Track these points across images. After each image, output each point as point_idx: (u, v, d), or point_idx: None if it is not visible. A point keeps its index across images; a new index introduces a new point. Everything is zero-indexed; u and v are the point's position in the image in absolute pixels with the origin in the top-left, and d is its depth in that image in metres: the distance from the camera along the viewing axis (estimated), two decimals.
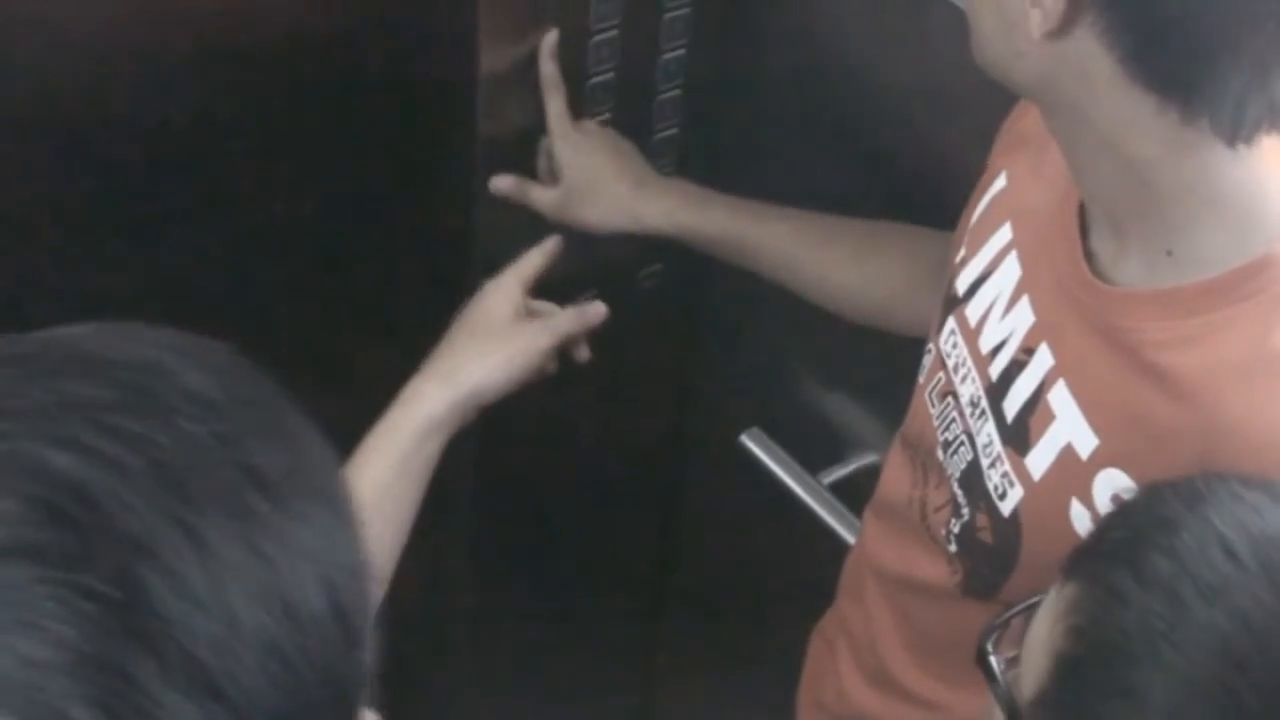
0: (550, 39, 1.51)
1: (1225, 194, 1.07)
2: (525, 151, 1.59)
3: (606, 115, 1.60)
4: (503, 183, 1.55)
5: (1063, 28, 1.02)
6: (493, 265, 1.50)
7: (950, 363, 1.27)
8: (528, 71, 1.54)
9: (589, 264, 1.65)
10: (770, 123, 1.70)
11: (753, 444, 1.81)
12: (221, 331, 0.69)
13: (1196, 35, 1.00)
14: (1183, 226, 1.08)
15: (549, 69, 1.53)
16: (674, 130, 1.66)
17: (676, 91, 1.65)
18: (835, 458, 1.80)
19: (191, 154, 1.44)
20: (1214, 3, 0.99)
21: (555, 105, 1.54)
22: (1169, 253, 1.09)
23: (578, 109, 1.58)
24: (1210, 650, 0.82)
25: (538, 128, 1.57)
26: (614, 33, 1.56)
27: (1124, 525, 0.92)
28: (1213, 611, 0.82)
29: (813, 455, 1.78)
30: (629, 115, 1.63)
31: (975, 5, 1.11)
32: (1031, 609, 0.95)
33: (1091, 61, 1.03)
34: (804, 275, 1.52)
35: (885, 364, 1.50)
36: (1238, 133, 1.03)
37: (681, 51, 1.62)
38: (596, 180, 1.54)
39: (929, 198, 1.47)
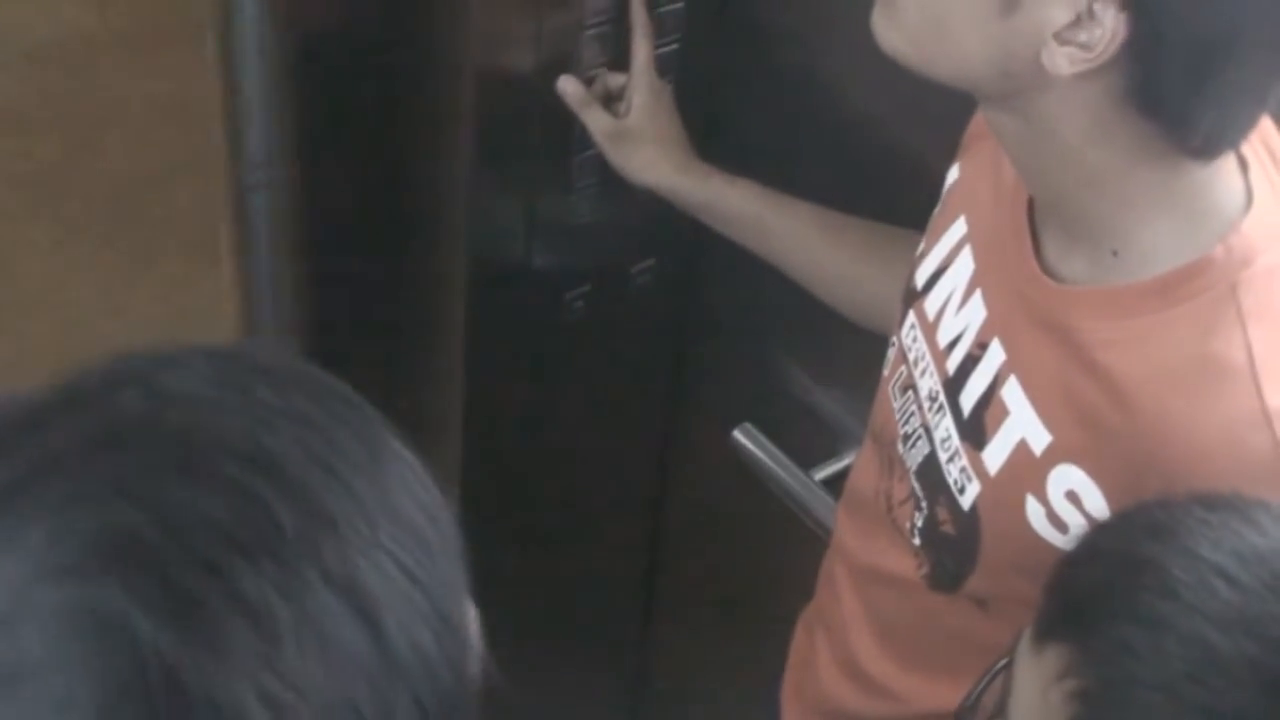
0: None
1: (1179, 197, 1.07)
2: (519, 140, 1.59)
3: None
4: (570, 85, 1.55)
5: (1091, 71, 1.01)
6: (482, 262, 1.50)
7: (911, 356, 1.27)
8: (521, 64, 1.54)
9: (581, 260, 1.64)
10: (762, 118, 1.70)
11: (745, 439, 1.81)
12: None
13: (1212, 66, 0.99)
14: (1132, 228, 1.08)
15: (641, 15, 1.55)
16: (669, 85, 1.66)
17: (674, 46, 1.64)
18: (827, 453, 1.80)
19: None
20: (1237, 37, 0.98)
21: (644, 50, 1.56)
22: (1114, 252, 1.09)
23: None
24: (1249, 683, 0.79)
25: (530, 116, 1.57)
26: (607, 28, 1.56)
27: (1091, 576, 0.89)
28: (1242, 642, 0.80)
29: (805, 450, 1.78)
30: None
31: (952, 19, 1.07)
32: (1000, 674, 0.94)
33: (1089, 90, 1.03)
34: (812, 262, 1.53)
35: (876, 360, 1.50)
36: (1212, 150, 1.04)
37: (675, 46, 1.62)
38: (660, 133, 1.57)
39: (922, 194, 1.47)
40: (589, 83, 1.56)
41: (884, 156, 1.57)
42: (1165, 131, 1.03)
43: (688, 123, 1.62)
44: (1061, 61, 1.01)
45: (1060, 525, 1.13)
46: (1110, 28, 0.98)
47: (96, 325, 2.61)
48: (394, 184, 1.62)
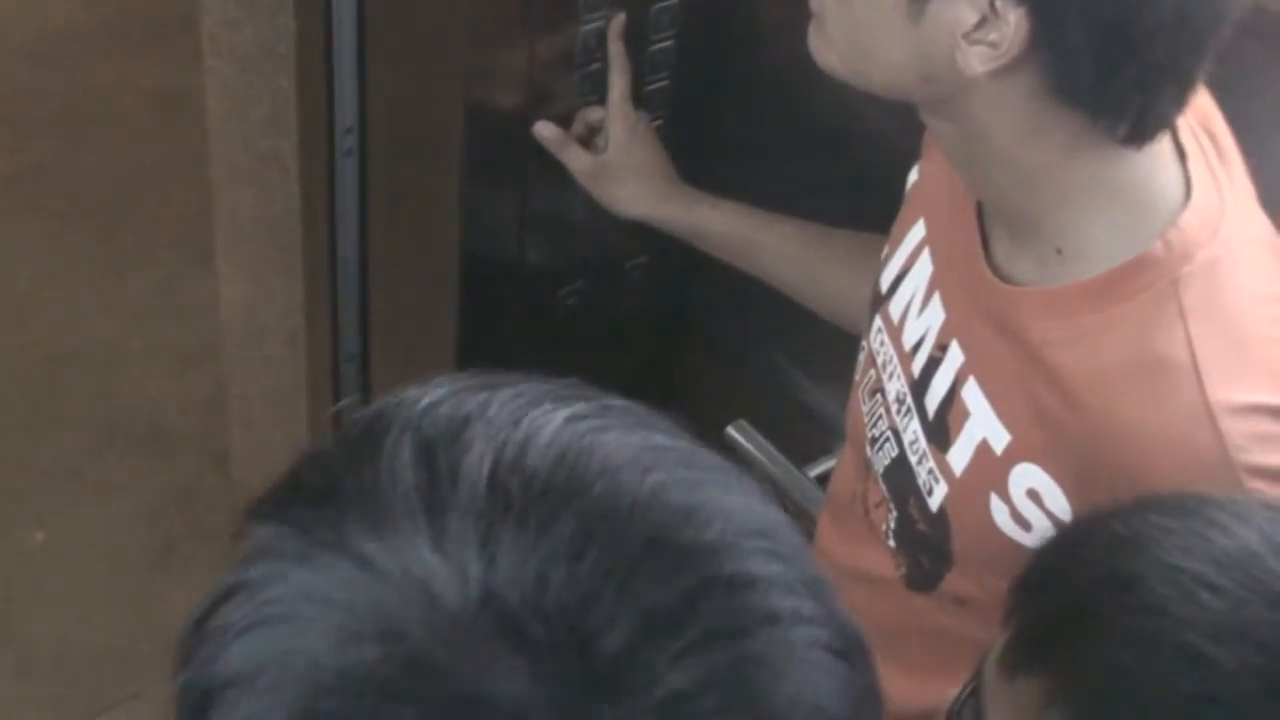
0: (619, 20, 1.55)
1: (1116, 191, 1.08)
2: (513, 135, 1.58)
3: (594, 102, 1.60)
4: (547, 130, 1.56)
5: (1006, 68, 1.03)
6: (480, 261, 1.49)
7: (879, 360, 1.28)
8: (515, 60, 1.54)
9: (575, 256, 1.64)
10: (757, 114, 1.70)
11: (739, 435, 1.81)
12: None
13: (1121, 51, 1.01)
14: (1073, 224, 1.09)
15: (617, 48, 1.56)
16: (660, 121, 1.66)
17: (664, 82, 1.64)
18: (822, 449, 1.80)
19: None
20: (1136, 19, 0.99)
21: (620, 85, 1.57)
22: (1059, 250, 1.10)
23: (566, 99, 1.57)
24: (1258, 694, 0.77)
25: (525, 118, 1.56)
26: (602, 23, 1.56)
27: (1059, 599, 0.86)
28: (1240, 651, 0.77)
29: (798, 447, 1.78)
30: None
31: (872, 31, 1.09)
32: (971, 700, 0.89)
33: (1013, 87, 1.04)
34: (803, 276, 1.54)
35: None
36: (1140, 135, 1.04)
37: (669, 43, 1.62)
38: (639, 165, 1.57)
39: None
40: (568, 122, 1.56)
41: (880, 152, 1.57)
42: (1091, 121, 1.04)
43: (682, 119, 1.62)
44: (974, 61, 1.03)
45: (1024, 524, 1.13)
46: (1014, 24, 1.00)
47: (91, 321, 2.62)
48: (388, 179, 1.62)
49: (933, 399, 1.20)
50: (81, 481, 2.46)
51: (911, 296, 1.24)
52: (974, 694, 0.89)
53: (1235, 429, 1.03)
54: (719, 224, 1.55)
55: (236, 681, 0.55)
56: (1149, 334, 1.05)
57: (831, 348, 1.72)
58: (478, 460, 0.56)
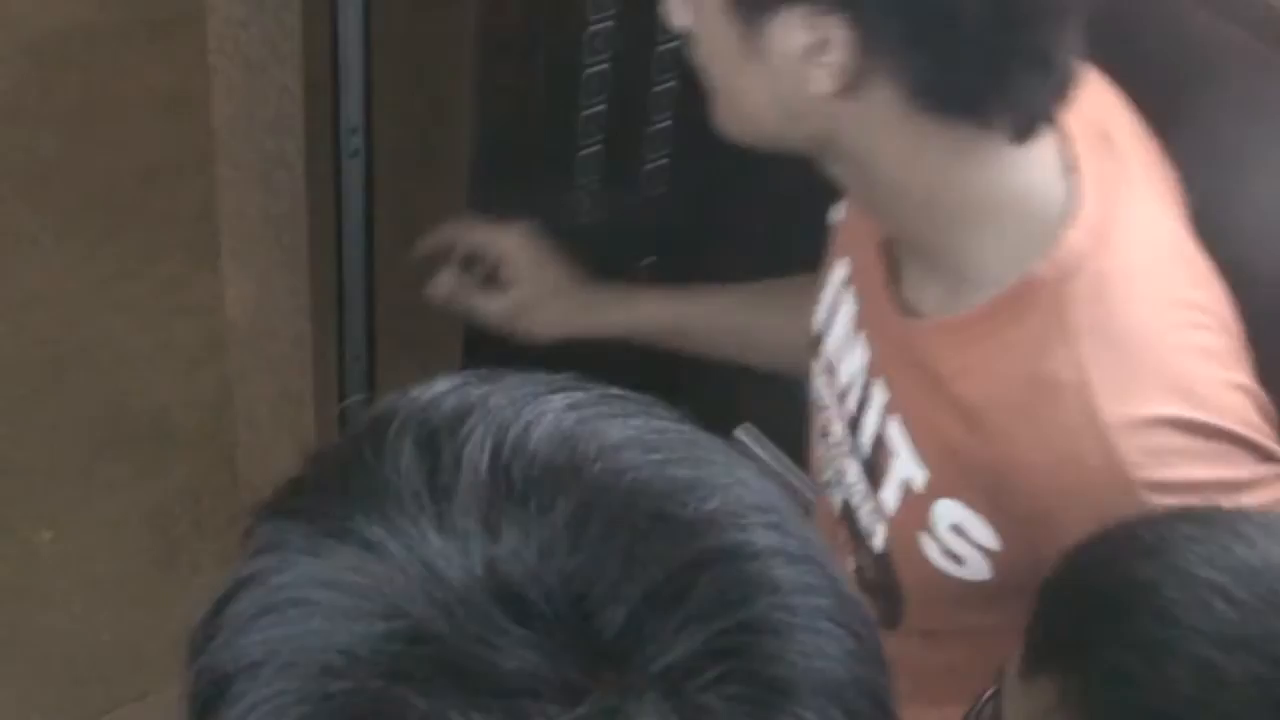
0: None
1: (1000, 207, 1.06)
2: (520, 138, 1.58)
3: (601, 107, 1.59)
4: (442, 288, 1.53)
5: (856, 81, 1.02)
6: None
7: (823, 402, 1.27)
8: (522, 64, 1.53)
9: (581, 257, 1.64)
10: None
11: (746, 439, 1.80)
12: None
13: (983, 48, 1.00)
14: (965, 247, 1.08)
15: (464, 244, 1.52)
16: (669, 122, 1.66)
17: (672, 83, 1.64)
18: None
19: None
20: (995, 12, 0.99)
21: (491, 237, 1.53)
22: (962, 277, 1.09)
23: (573, 99, 1.57)
24: (1259, 703, 0.77)
25: (531, 118, 1.56)
26: (610, 23, 1.55)
27: (1079, 602, 0.86)
28: (1247, 661, 0.77)
29: (806, 451, 1.78)
30: (624, 107, 1.62)
31: (730, 83, 1.09)
32: (992, 700, 0.90)
33: (875, 104, 1.03)
34: (748, 342, 1.51)
35: None
36: (1022, 131, 1.03)
37: (678, 43, 1.61)
38: (555, 285, 1.53)
39: None
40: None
41: None
42: (958, 123, 1.03)
43: (692, 121, 1.61)
44: (823, 80, 1.02)
45: (955, 558, 1.12)
46: (839, 33, 1.00)
47: (97, 320, 2.61)
48: (394, 179, 1.62)
49: (865, 439, 1.19)
50: (88, 481, 2.45)
51: (842, 337, 1.23)
52: (996, 695, 0.90)
53: (1130, 445, 1.01)
54: (647, 318, 1.52)
55: (248, 668, 0.56)
56: (1038, 356, 1.04)
57: None
58: (479, 444, 0.57)
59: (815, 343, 1.28)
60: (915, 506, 1.14)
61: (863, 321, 1.20)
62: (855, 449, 1.21)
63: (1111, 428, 1.01)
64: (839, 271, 1.25)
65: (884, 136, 1.05)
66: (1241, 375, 1.07)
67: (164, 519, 2.44)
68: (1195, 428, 1.02)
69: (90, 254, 2.67)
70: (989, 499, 1.08)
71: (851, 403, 1.21)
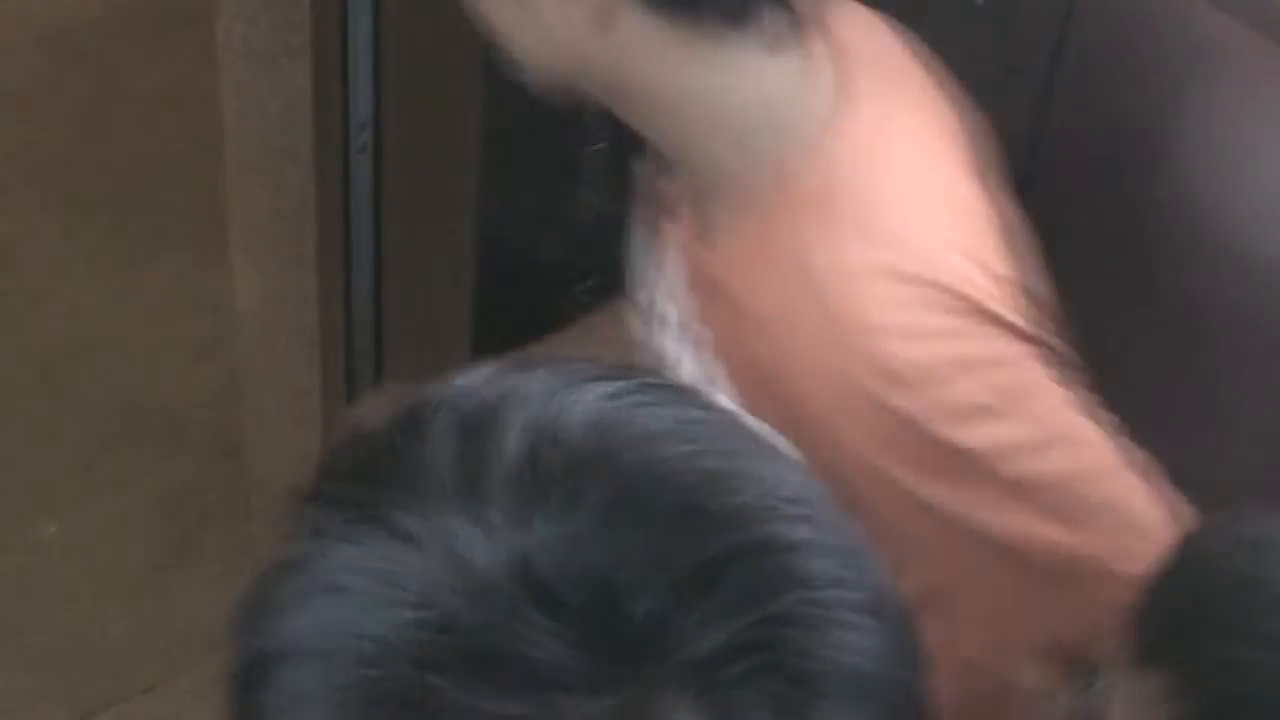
0: None
1: (767, 112, 1.08)
2: (527, 132, 1.58)
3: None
4: None
5: (605, 8, 1.03)
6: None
7: (652, 354, 1.29)
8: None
9: (590, 252, 1.64)
10: None
11: None
12: None
13: None
14: (741, 158, 1.09)
15: None
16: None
17: None
18: None
19: None
20: None
21: None
22: (739, 194, 1.11)
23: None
24: None
25: (541, 113, 1.56)
26: None
27: (1191, 595, 0.87)
28: None
29: None
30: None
31: (503, 30, 1.12)
32: (1092, 691, 0.91)
33: (632, 31, 1.05)
34: None
35: None
36: (736, 16, 1.05)
37: None
38: None
39: None
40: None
41: None
42: (704, 29, 1.05)
43: None
44: (577, 13, 1.04)
45: None
46: None
47: (104, 313, 2.61)
48: (403, 174, 1.62)
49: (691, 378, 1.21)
50: (94, 474, 2.46)
51: (662, 290, 1.25)
52: (1098, 685, 0.91)
53: (843, 296, 1.03)
54: None
55: (284, 655, 0.56)
56: (801, 252, 1.05)
57: None
58: (513, 435, 0.58)
59: (641, 307, 1.29)
60: None
61: (675, 269, 1.22)
62: None
63: (824, 276, 1.03)
64: (653, 228, 1.27)
65: (649, 64, 1.07)
66: (1000, 265, 1.07)
67: (170, 512, 2.44)
68: (908, 278, 1.03)
69: (98, 247, 2.67)
70: (764, 400, 1.10)
71: (672, 350, 1.22)
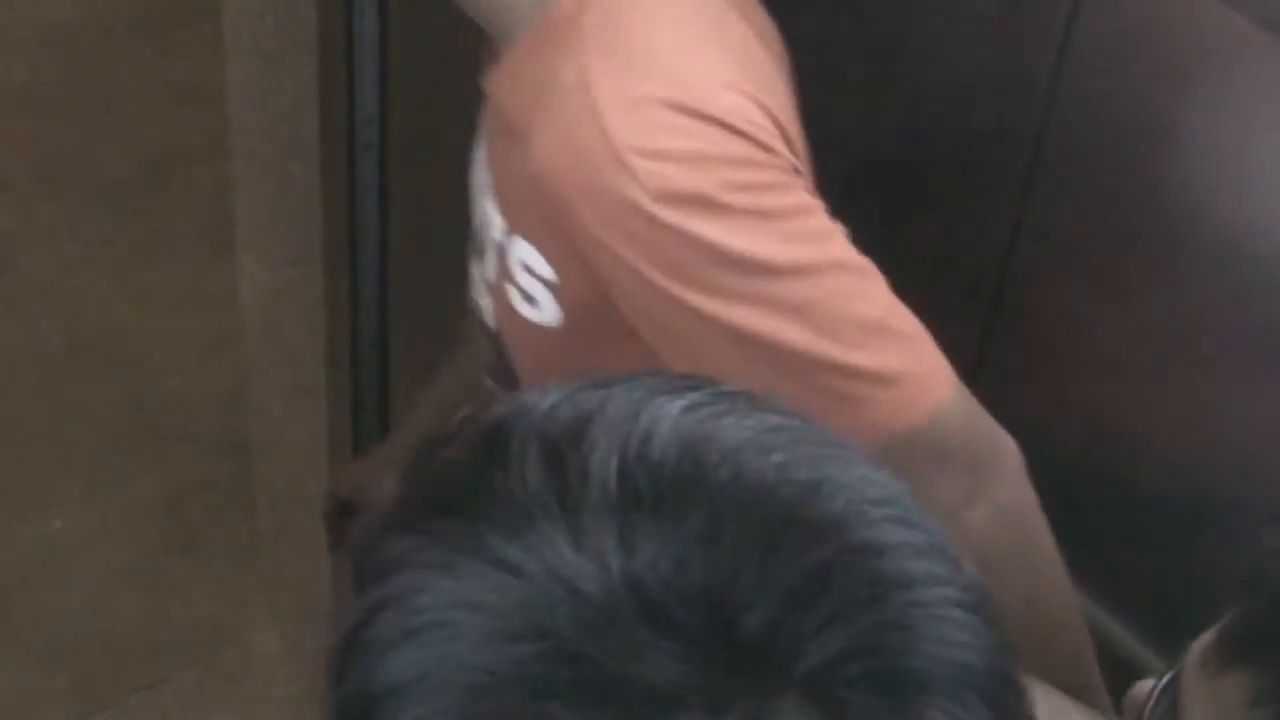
0: None
1: None
2: None
3: None
4: None
5: None
6: None
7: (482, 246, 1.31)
8: None
9: None
10: None
11: None
12: None
13: None
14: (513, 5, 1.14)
15: None
16: None
17: None
18: None
19: None
20: None
21: None
22: (510, 32, 1.15)
23: None
24: None
25: None
26: None
27: (1269, 595, 0.85)
28: None
29: None
30: None
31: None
32: (1166, 694, 0.89)
33: None
34: None
35: None
36: None
37: None
38: None
39: (913, 181, 1.47)
40: None
41: (882, 152, 1.57)
42: None
43: None
44: None
45: (529, 299, 1.17)
46: None
47: (110, 310, 2.62)
48: (409, 169, 1.62)
49: (490, 254, 1.24)
50: (100, 470, 2.46)
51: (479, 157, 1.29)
52: (1169, 688, 0.88)
53: (620, 121, 1.04)
54: None
55: (395, 692, 0.56)
56: (555, 71, 1.07)
57: None
58: (604, 456, 0.58)
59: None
60: (502, 259, 1.18)
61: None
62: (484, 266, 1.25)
63: (603, 106, 1.04)
64: (480, 153, 1.29)
65: None
66: (774, 106, 1.09)
67: (176, 508, 2.44)
68: (685, 110, 1.04)
69: (104, 244, 2.68)
70: (539, 224, 1.12)
71: (484, 211, 1.24)
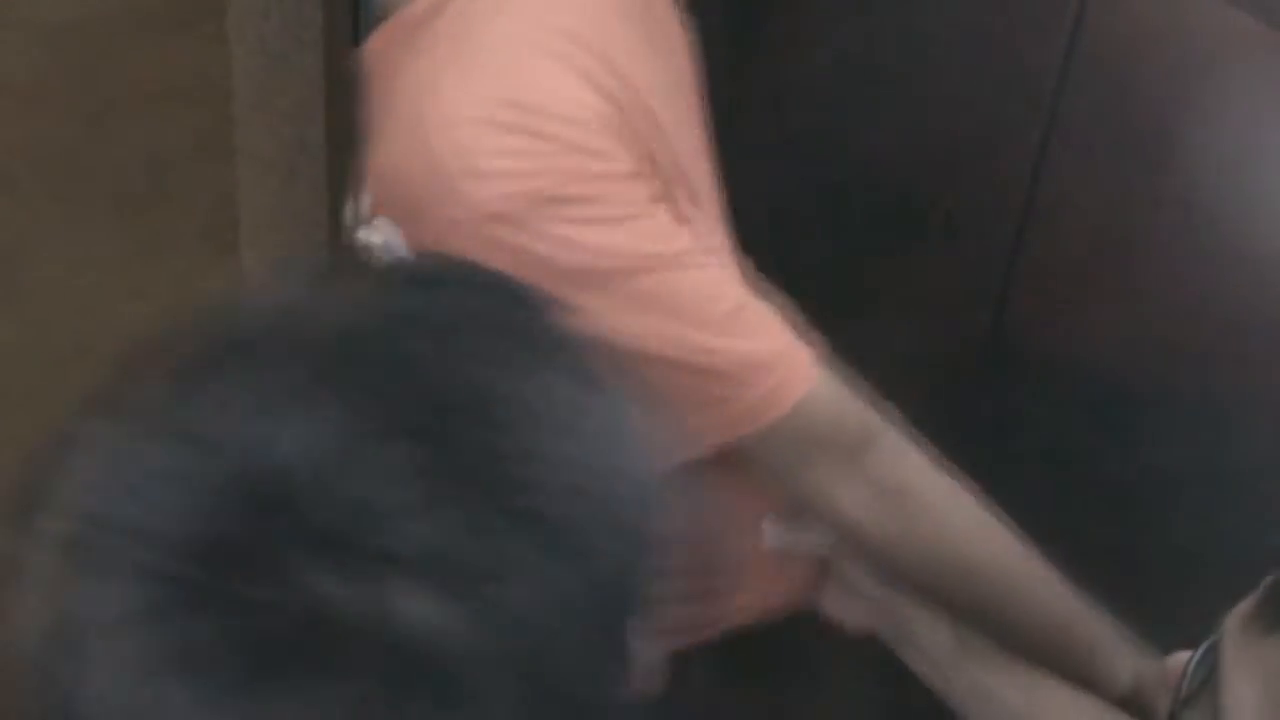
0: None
1: None
2: None
3: None
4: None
5: None
6: None
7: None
8: None
9: None
10: (760, 116, 1.70)
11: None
12: None
13: None
14: None
15: None
16: None
17: None
18: None
19: None
20: None
21: None
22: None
23: None
24: None
25: None
26: None
27: None
28: None
29: None
30: None
31: None
32: (1207, 657, 0.90)
33: None
34: None
35: (877, 352, 1.49)
36: None
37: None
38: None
39: (919, 186, 1.47)
40: None
41: (884, 150, 1.57)
42: None
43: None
44: None
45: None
46: None
47: (115, 309, 2.61)
48: None
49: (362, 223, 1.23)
50: None
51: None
52: (1205, 658, 0.88)
53: (445, 141, 1.03)
54: None
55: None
56: (406, 69, 1.07)
57: (838, 342, 1.72)
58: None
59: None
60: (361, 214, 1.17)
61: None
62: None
63: (432, 125, 1.04)
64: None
65: None
66: (609, 79, 1.07)
67: None
68: (516, 128, 1.03)
69: (108, 243, 2.68)
70: (395, 207, 1.11)
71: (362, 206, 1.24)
